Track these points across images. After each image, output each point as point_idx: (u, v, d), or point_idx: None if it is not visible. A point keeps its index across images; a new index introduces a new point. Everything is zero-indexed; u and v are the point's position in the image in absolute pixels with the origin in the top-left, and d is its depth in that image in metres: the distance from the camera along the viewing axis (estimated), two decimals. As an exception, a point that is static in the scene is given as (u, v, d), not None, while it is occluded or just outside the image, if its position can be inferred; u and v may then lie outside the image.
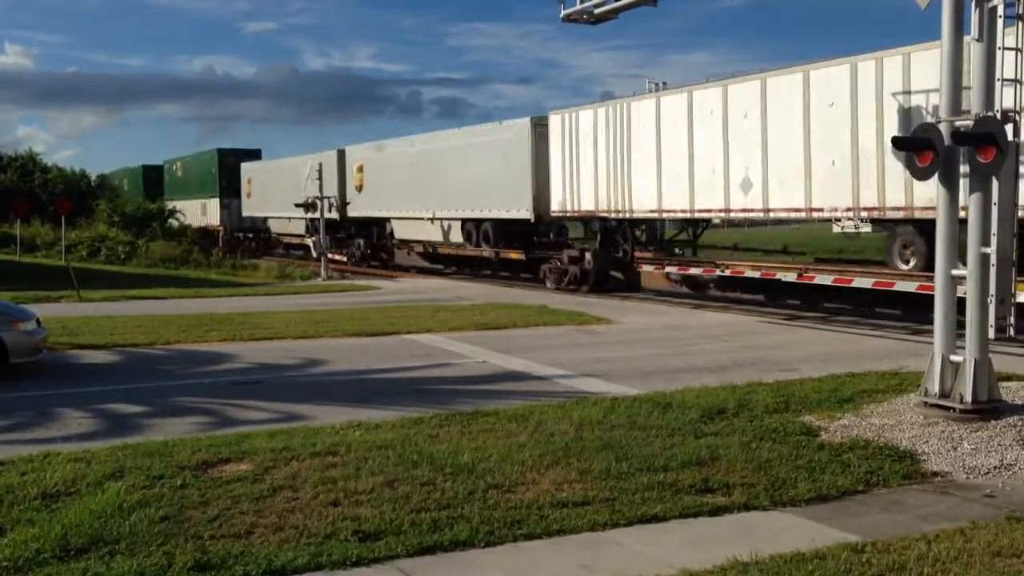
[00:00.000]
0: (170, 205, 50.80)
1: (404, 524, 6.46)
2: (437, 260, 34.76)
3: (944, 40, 9.27)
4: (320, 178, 34.51)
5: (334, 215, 36.02)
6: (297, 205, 40.01)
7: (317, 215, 35.61)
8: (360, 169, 36.36)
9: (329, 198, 35.04)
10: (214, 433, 9.24)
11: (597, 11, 16.62)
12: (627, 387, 11.61)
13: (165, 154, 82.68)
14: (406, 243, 34.99)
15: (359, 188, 36.40)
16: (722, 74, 20.70)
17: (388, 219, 35.26)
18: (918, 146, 9.40)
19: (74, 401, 11.00)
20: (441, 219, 31.09)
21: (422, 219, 32.08)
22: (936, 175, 9.34)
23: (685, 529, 6.57)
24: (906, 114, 15.94)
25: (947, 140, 9.19)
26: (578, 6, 16.74)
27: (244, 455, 8.21)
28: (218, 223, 50.20)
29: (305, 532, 6.33)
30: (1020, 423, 8.89)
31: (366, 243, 37.98)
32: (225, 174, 49.07)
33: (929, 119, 11.60)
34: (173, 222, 47.19)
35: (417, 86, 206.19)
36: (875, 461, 7.99)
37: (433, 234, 32.25)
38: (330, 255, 34.77)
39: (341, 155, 37.49)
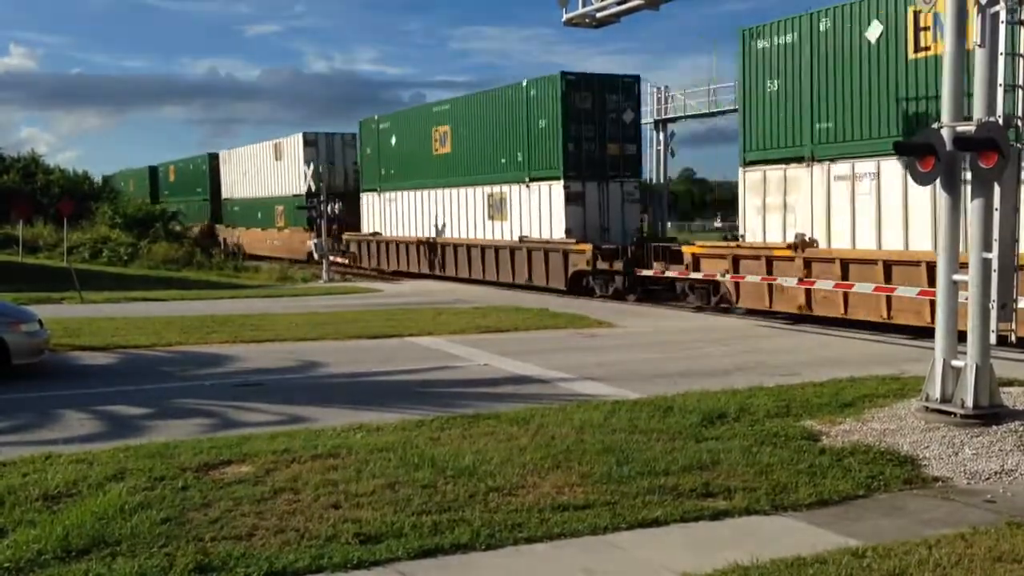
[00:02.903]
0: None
1: (405, 527, 6.46)
2: None
3: (947, 45, 9.28)
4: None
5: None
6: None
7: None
8: None
9: None
10: (215, 435, 9.25)
11: (599, 15, 16.66)
12: (628, 391, 11.60)
13: (167, 156, 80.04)
14: None
15: None
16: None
17: None
18: (919, 151, 9.40)
19: (76, 402, 11.00)
20: None
21: None
22: (938, 180, 9.35)
23: (686, 533, 6.57)
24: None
25: (949, 145, 9.19)
26: (580, 10, 16.78)
27: (245, 457, 8.21)
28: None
29: (306, 534, 6.33)
30: (1021, 429, 8.88)
31: None
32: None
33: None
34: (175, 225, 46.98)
35: (420, 89, 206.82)
36: (876, 466, 7.98)
37: None
38: (332, 258, 34.56)
39: None
